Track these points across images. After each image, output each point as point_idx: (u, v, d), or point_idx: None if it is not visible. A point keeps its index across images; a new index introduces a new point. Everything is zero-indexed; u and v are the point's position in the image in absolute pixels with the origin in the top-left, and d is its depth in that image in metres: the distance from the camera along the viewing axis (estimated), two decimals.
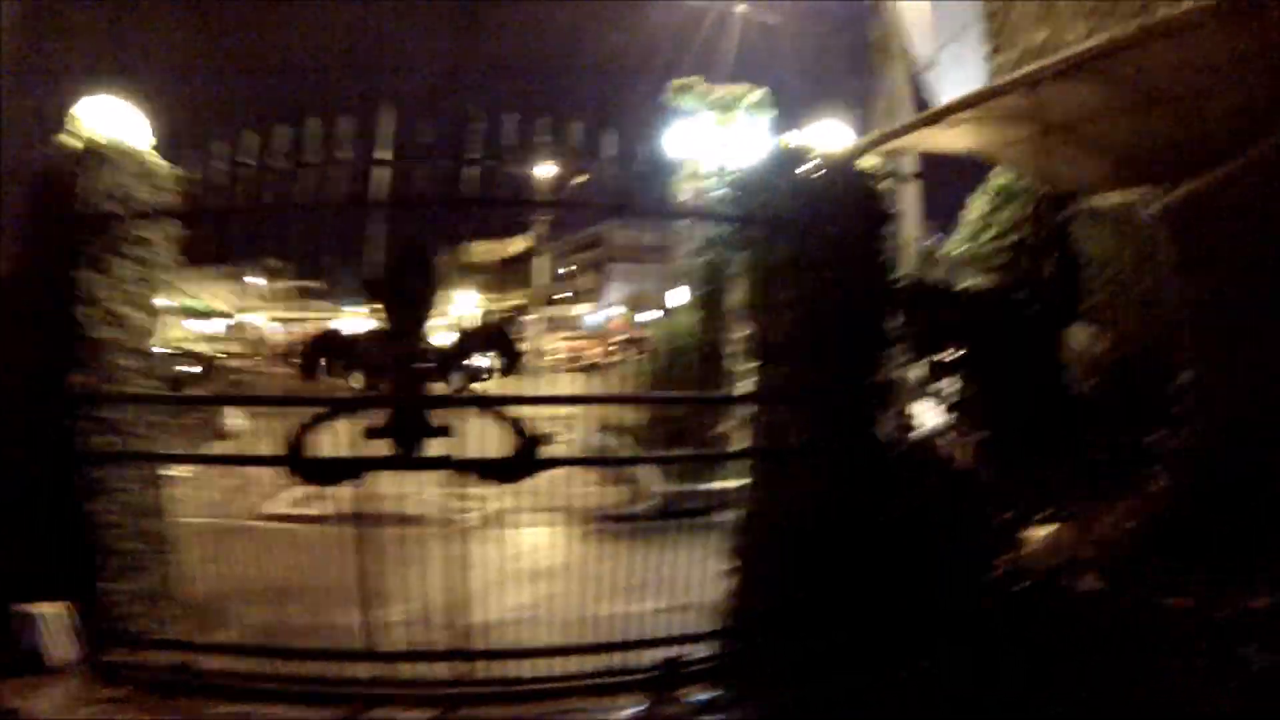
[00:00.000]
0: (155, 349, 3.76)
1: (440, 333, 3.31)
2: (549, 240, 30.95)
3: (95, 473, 3.39)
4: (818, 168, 3.48)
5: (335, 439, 3.19)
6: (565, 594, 3.76)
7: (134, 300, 3.56)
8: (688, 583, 3.56)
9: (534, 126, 3.30)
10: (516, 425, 3.15)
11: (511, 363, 3.19)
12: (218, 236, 3.49)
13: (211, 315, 22.84)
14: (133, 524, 3.54)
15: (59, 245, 3.30)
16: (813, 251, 3.40)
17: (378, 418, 3.15)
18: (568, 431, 4.64)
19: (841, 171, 3.53)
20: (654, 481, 5.99)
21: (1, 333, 3.41)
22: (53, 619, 3.18)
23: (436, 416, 3.16)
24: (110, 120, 3.52)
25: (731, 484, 3.73)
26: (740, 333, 3.78)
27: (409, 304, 3.15)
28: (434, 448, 3.17)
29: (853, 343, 3.45)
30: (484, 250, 32.95)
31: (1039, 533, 3.87)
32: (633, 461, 3.67)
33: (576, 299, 41.44)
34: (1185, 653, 2.83)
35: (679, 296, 10.71)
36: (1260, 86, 3.32)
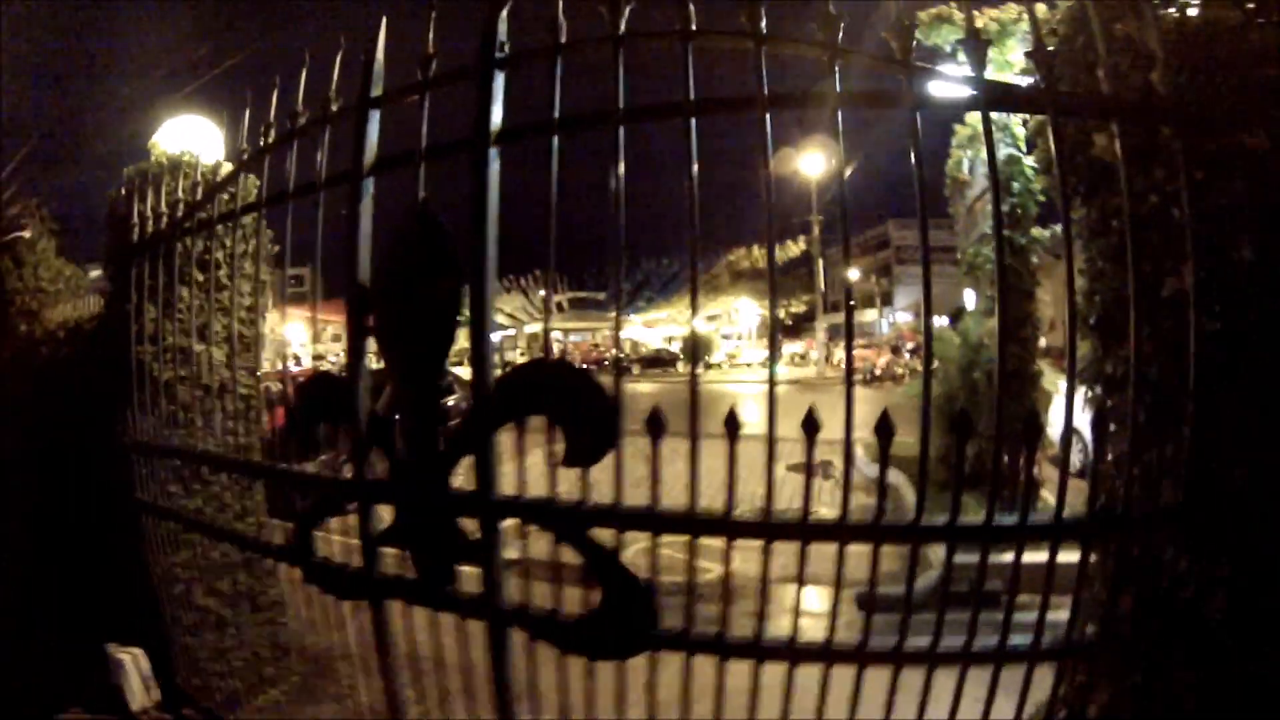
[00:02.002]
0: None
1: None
2: (824, 242, 28.71)
3: (150, 525, 3.07)
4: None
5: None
6: None
7: (200, 331, 3.16)
8: None
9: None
10: (603, 561, 1.63)
11: (592, 443, 1.57)
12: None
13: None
14: (204, 578, 3.18)
15: (118, 278, 3.01)
16: (1225, 188, 1.53)
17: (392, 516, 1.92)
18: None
19: None
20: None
21: (86, 380, 3.25)
22: (131, 664, 3.07)
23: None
24: (186, 139, 3.19)
25: (1043, 556, 1.90)
26: (1057, 348, 1.87)
27: (414, 322, 1.78)
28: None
29: None
30: (752, 255, 31.52)
31: None
32: (827, 657, 1.74)
33: (863, 305, 37.77)
34: None
35: (969, 300, 8.63)
36: None
